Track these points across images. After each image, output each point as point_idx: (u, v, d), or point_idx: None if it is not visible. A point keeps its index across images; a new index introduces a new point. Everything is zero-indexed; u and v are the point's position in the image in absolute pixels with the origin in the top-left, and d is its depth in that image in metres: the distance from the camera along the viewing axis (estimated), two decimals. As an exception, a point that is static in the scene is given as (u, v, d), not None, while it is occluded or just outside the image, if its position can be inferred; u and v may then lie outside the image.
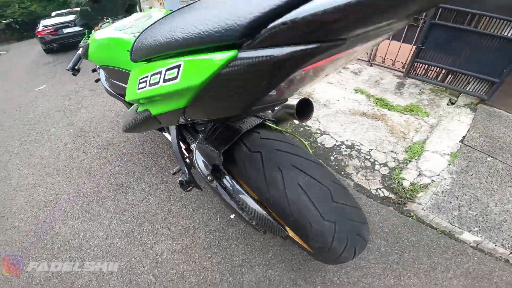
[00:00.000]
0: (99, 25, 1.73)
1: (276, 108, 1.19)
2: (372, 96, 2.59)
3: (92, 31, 1.70)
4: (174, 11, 0.61)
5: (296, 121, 1.09)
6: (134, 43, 0.66)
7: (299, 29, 0.39)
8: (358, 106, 2.43)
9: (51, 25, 7.13)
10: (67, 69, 1.62)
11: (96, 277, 1.34)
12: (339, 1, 0.35)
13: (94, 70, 2.09)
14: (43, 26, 7.22)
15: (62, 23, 7.16)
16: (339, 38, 0.41)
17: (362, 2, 0.34)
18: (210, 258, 1.32)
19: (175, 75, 0.55)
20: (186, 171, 1.11)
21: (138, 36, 0.65)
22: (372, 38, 0.53)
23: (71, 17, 7.50)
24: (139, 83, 0.67)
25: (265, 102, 0.65)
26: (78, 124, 2.91)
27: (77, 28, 6.79)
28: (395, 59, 3.08)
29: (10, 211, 1.85)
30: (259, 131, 0.96)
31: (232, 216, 1.46)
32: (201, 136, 1.06)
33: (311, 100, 1.03)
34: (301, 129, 2.22)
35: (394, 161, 1.76)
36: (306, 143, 1.43)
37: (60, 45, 7.21)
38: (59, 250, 1.50)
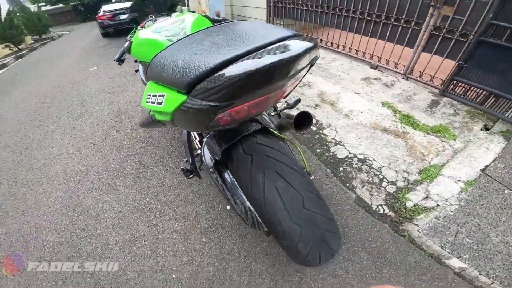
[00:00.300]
0: (144, 22, 1.92)
1: (282, 115, 1.27)
2: (399, 111, 2.50)
3: (138, 27, 1.89)
4: (171, 44, 0.86)
5: (294, 131, 1.17)
6: (148, 65, 0.87)
7: (206, 93, 0.65)
8: (381, 120, 2.37)
9: (110, 11, 7.80)
10: (114, 60, 1.81)
11: (101, 245, 1.53)
12: (225, 79, 0.62)
13: (136, 61, 2.33)
14: (103, 11, 7.91)
15: (120, 9, 7.75)
16: (230, 100, 0.67)
17: (235, 82, 0.61)
18: (204, 242, 1.45)
19: (161, 101, 0.81)
20: (190, 161, 1.23)
21: (151, 60, 0.86)
22: (265, 93, 0.77)
23: (128, 4, 8.11)
24: (147, 97, 0.90)
25: (221, 125, 0.85)
26: (118, 105, 3.23)
27: None
28: (434, 74, 2.90)
29: (46, 177, 2.16)
30: (257, 136, 1.04)
31: (228, 207, 1.57)
32: (211, 133, 1.17)
33: (311, 113, 1.10)
34: (317, 136, 2.24)
35: (404, 181, 1.72)
36: (303, 153, 1.50)
37: (115, 30, 7.89)
38: (78, 218, 1.73)
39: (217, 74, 0.63)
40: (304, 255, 0.90)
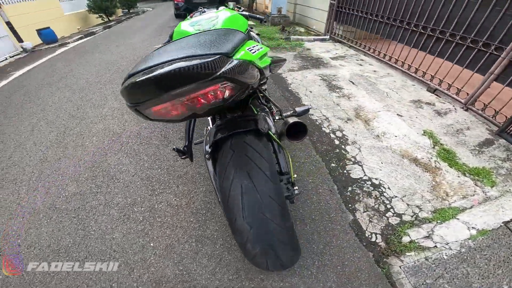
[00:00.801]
0: (193, 13, 2.06)
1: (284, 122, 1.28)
2: (441, 144, 2.24)
3: (188, 16, 2.04)
4: (155, 50, 0.95)
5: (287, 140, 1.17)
6: None
7: (124, 93, 0.79)
8: (415, 150, 2.16)
9: (185, -7, 8.37)
10: (163, 44, 1.97)
11: (105, 203, 1.72)
12: (128, 85, 0.74)
13: None
14: (179, -7, 8.53)
15: None
16: (135, 102, 0.79)
17: (131, 88, 0.75)
18: (191, 222, 1.55)
19: None
20: (186, 143, 1.33)
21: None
22: (169, 99, 0.81)
23: None
24: None
25: (163, 118, 0.90)
26: (165, 81, 3.54)
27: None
28: (500, 109, 2.48)
29: (88, 132, 2.49)
30: (248, 136, 1.07)
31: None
32: (217, 122, 1.24)
33: (306, 124, 1.09)
34: (337, 150, 2.15)
35: (412, 216, 1.57)
36: (292, 163, 1.49)
37: (187, 12, 8.44)
38: (98, 174, 1.98)
39: (128, 79, 0.76)
40: (251, 255, 0.92)
